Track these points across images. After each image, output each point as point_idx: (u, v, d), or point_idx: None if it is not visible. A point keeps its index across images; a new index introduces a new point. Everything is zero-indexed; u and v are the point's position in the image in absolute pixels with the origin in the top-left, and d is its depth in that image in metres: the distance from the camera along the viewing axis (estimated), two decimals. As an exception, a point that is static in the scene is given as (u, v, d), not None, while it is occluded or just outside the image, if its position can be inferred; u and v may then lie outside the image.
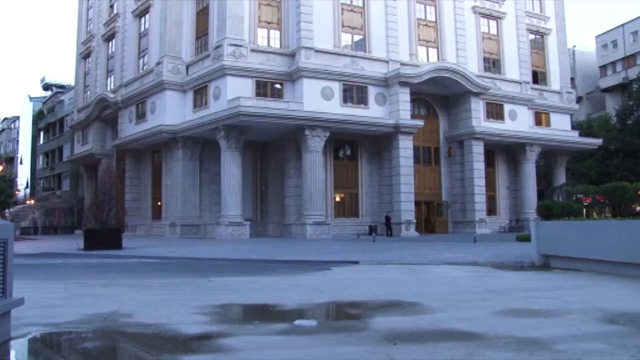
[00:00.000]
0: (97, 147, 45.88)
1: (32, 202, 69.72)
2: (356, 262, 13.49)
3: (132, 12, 41.09)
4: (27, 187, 76.92)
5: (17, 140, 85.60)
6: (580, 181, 48.87)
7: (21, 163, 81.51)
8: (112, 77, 44.64)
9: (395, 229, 32.73)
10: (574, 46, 63.57)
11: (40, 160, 72.38)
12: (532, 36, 43.90)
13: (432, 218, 37.49)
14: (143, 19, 40.42)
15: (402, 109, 33.68)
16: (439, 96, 37.66)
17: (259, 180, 36.08)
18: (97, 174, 45.66)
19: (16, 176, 79.38)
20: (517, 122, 39.96)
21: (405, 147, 33.66)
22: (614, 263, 9.35)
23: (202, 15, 35.23)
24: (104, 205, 23.70)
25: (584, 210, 35.99)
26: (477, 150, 37.08)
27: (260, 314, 6.49)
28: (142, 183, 40.30)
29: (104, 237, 21.95)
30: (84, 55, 50.88)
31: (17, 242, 26.66)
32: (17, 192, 72.85)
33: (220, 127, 30.66)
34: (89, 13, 51.33)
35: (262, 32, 33.25)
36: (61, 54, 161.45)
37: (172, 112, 34.91)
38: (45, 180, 70.75)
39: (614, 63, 61.62)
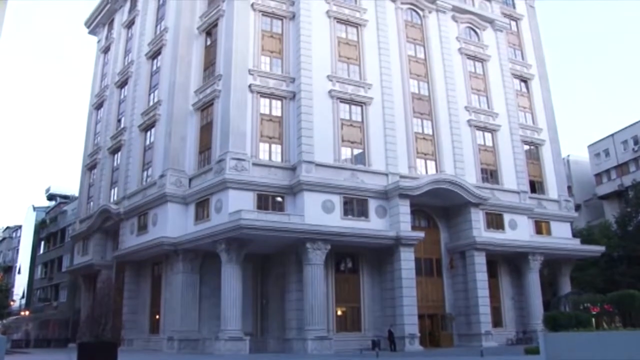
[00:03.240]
0: (97, 258, 45.56)
1: (27, 313, 68.29)
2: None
3: (139, 126, 42.46)
4: (22, 297, 75.67)
5: (17, 250, 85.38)
6: (586, 290, 48.13)
7: (19, 273, 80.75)
8: (116, 188, 45.26)
9: (398, 343, 31.82)
10: (568, 155, 65.13)
11: (39, 270, 71.82)
12: (526, 147, 45.17)
13: (436, 331, 36.48)
14: (149, 133, 41.66)
15: (402, 221, 33.91)
16: (439, 208, 38.03)
17: (259, 294, 35.49)
18: (95, 286, 45.12)
19: (12, 286, 78.41)
20: (518, 232, 40.03)
21: (407, 259, 33.47)
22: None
23: (206, 130, 36.39)
24: (100, 318, 23.11)
25: (593, 320, 35.18)
26: (479, 260, 36.84)
27: None
28: (141, 295, 39.62)
29: (99, 351, 21.19)
30: (90, 166, 51.96)
31: (8, 357, 25.81)
32: (12, 303, 71.59)
33: (222, 240, 30.63)
34: (97, 127, 53.06)
35: (263, 147, 34.20)
36: (68, 165, 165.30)
37: (173, 224, 34.99)
38: (42, 291, 69.71)
39: (608, 171, 62.97)
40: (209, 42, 39.08)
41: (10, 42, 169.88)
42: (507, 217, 40.11)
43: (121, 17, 52.51)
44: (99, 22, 57.42)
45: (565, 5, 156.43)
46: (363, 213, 34.29)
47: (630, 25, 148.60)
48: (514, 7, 50.62)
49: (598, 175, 64.01)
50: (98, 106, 53.56)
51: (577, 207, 58.67)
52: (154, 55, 43.36)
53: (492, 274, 39.22)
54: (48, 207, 79.26)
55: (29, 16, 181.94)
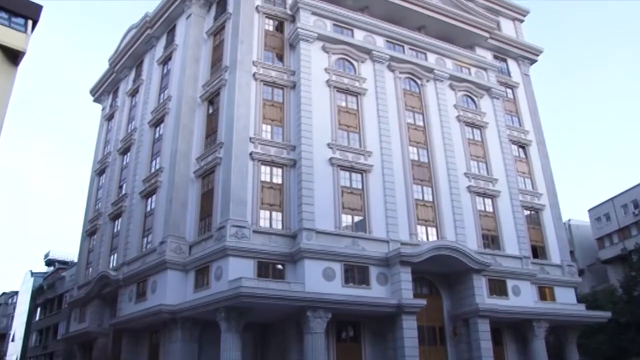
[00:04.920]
0: (94, 326, 44.70)
1: (16, 384, 66.59)
2: None
3: (140, 193, 42.65)
4: (14, 366, 73.93)
5: (13, 316, 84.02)
6: (594, 357, 47.11)
7: (13, 340, 79.19)
8: (116, 254, 44.99)
9: (402, 416, 30.78)
10: (569, 220, 65.23)
11: (34, 337, 70.37)
12: (527, 212, 45.18)
13: (441, 403, 35.39)
14: (149, 199, 41.80)
15: (404, 289, 33.46)
16: (441, 274, 37.67)
17: (259, 364, 34.68)
18: (91, 355, 44.14)
19: (5, 354, 76.72)
20: (521, 298, 39.46)
21: (409, 328, 32.79)
22: None
23: (207, 198, 36.53)
24: (94, 390, 22.53)
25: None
26: (483, 328, 36.06)
27: None
28: (138, 365, 38.68)
29: None
30: (90, 232, 51.83)
31: None
32: (3, 373, 69.81)
33: (221, 308, 30.16)
34: (99, 193, 53.32)
35: (264, 214, 34.24)
36: (68, 230, 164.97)
37: (172, 291, 34.57)
38: (35, 360, 68.13)
39: (609, 235, 62.93)
40: (211, 111, 39.85)
41: (13, 108, 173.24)
42: (510, 283, 39.65)
43: (126, 86, 53.79)
44: (104, 90, 58.80)
45: (562, 69, 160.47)
46: (364, 281, 33.95)
47: (627, 88, 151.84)
48: (510, 75, 51.94)
49: (600, 240, 63.89)
50: (100, 172, 54.03)
51: (581, 272, 58.18)
52: (157, 123, 44.13)
53: (497, 341, 38.36)
54: (46, 272, 78.64)
55: (31, 82, 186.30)
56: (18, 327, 78.38)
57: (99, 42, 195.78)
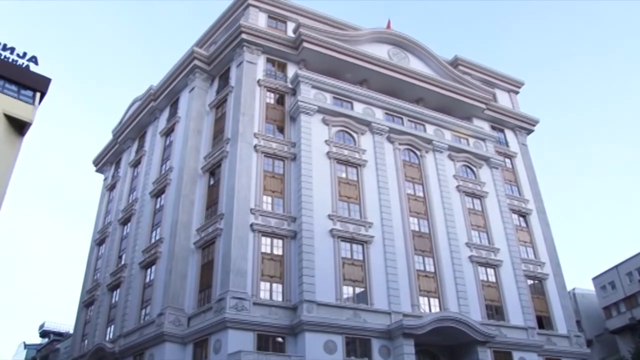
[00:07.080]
0: (87, 402, 43.31)
1: None
2: None
3: (139, 263, 42.40)
4: None
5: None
6: None
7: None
8: (113, 326, 44.14)
9: None
10: (574, 289, 64.24)
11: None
12: (530, 281, 44.64)
13: None
14: (149, 270, 41.51)
15: (407, 362, 32.68)
16: (444, 347, 36.78)
17: None
18: None
19: None
20: (529, 371, 38.45)
21: (415, 404, 31.83)
22: None
23: (207, 269, 36.25)
24: None
25: None
26: (491, 404, 35.02)
27: None
28: None
29: None
30: (87, 303, 51.08)
31: None
32: None
33: (220, 383, 29.45)
34: (98, 263, 52.91)
35: (264, 286, 33.87)
36: (65, 301, 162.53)
37: (170, 365, 33.78)
38: None
39: (616, 304, 61.72)
40: (212, 182, 40.20)
41: (15, 175, 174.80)
42: (516, 355, 38.65)
43: (128, 157, 54.50)
44: (107, 161, 59.58)
45: (561, 136, 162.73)
46: (366, 353, 33.17)
47: (626, 152, 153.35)
48: (507, 145, 52.76)
49: (606, 309, 62.64)
50: (100, 242, 53.85)
51: (589, 343, 56.72)
52: (158, 193, 44.44)
53: (507, 418, 37.11)
54: (40, 344, 76.88)
55: (33, 150, 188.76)
56: (7, 402, 76.08)
57: (103, 113, 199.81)
